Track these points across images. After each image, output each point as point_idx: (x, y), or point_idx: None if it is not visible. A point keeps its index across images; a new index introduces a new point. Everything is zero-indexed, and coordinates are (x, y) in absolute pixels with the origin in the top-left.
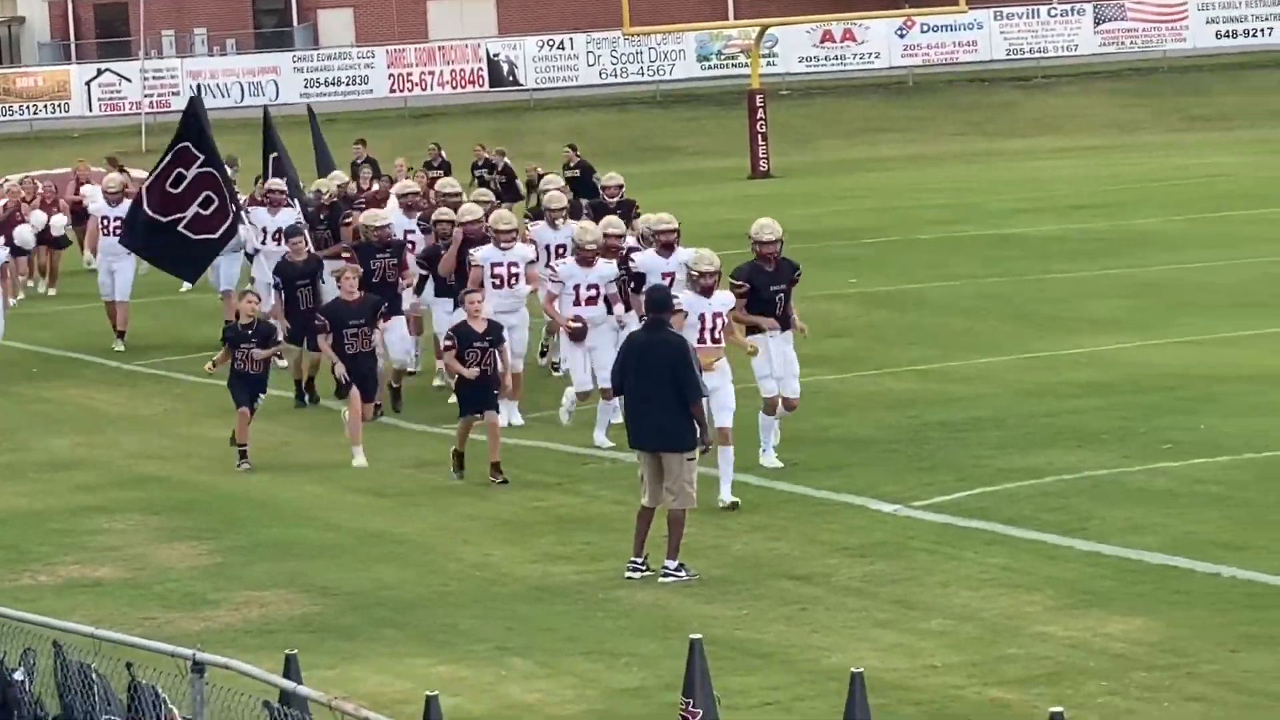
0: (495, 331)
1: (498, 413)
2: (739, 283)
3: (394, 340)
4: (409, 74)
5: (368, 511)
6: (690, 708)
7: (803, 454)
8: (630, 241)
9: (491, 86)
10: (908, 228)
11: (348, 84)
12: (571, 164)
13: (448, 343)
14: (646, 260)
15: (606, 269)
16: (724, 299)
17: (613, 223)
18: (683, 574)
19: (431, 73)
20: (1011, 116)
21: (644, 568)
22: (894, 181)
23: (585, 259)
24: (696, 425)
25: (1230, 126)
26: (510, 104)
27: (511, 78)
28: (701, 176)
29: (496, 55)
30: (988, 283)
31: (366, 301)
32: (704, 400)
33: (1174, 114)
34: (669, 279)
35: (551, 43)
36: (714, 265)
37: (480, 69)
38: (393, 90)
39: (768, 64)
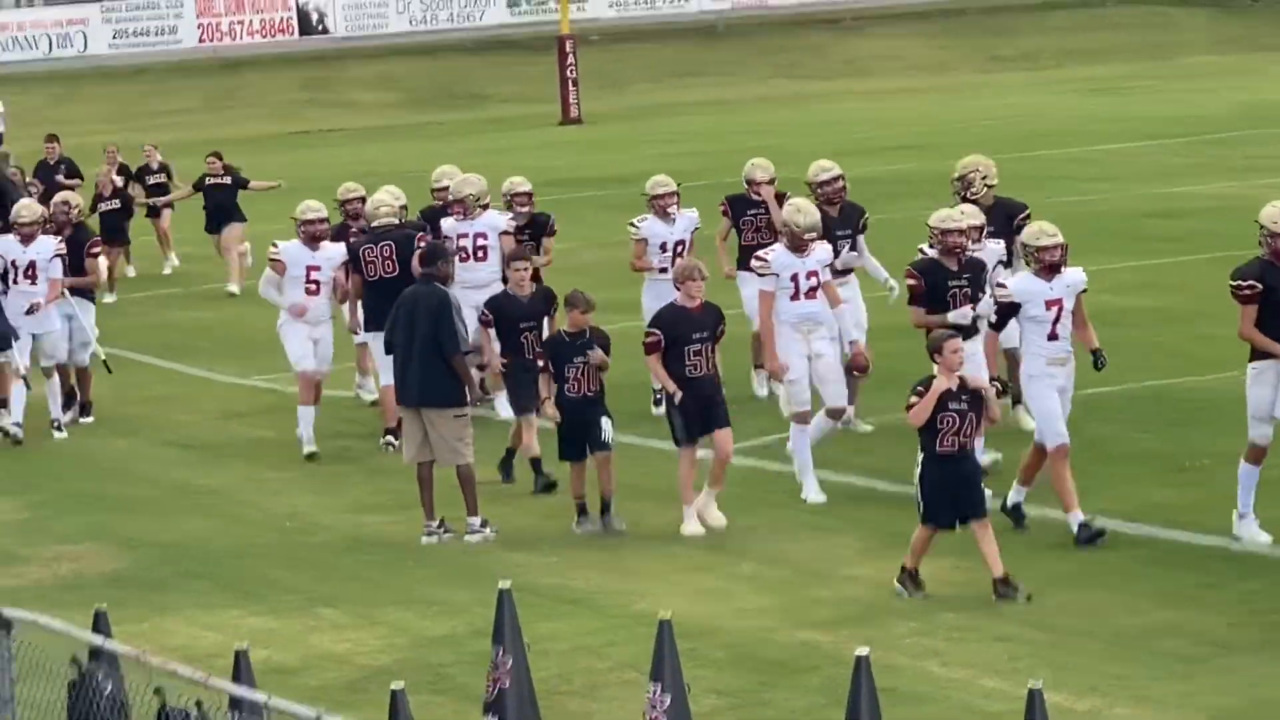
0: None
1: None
2: (1244, 283)
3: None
4: (218, 23)
5: (176, 464)
6: (500, 655)
7: (615, 400)
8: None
9: (301, 35)
10: (721, 173)
11: (156, 34)
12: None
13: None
14: (1021, 286)
15: (823, 252)
16: None
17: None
18: (487, 530)
19: (241, 22)
20: (821, 60)
21: (440, 530)
22: (705, 126)
23: (798, 245)
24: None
25: (1035, 66)
26: (320, 52)
27: (321, 26)
28: (513, 123)
29: (305, 4)
30: None
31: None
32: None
33: (981, 55)
34: (1055, 308)
35: None
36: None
37: (290, 18)
38: (202, 40)
39: (577, 9)
